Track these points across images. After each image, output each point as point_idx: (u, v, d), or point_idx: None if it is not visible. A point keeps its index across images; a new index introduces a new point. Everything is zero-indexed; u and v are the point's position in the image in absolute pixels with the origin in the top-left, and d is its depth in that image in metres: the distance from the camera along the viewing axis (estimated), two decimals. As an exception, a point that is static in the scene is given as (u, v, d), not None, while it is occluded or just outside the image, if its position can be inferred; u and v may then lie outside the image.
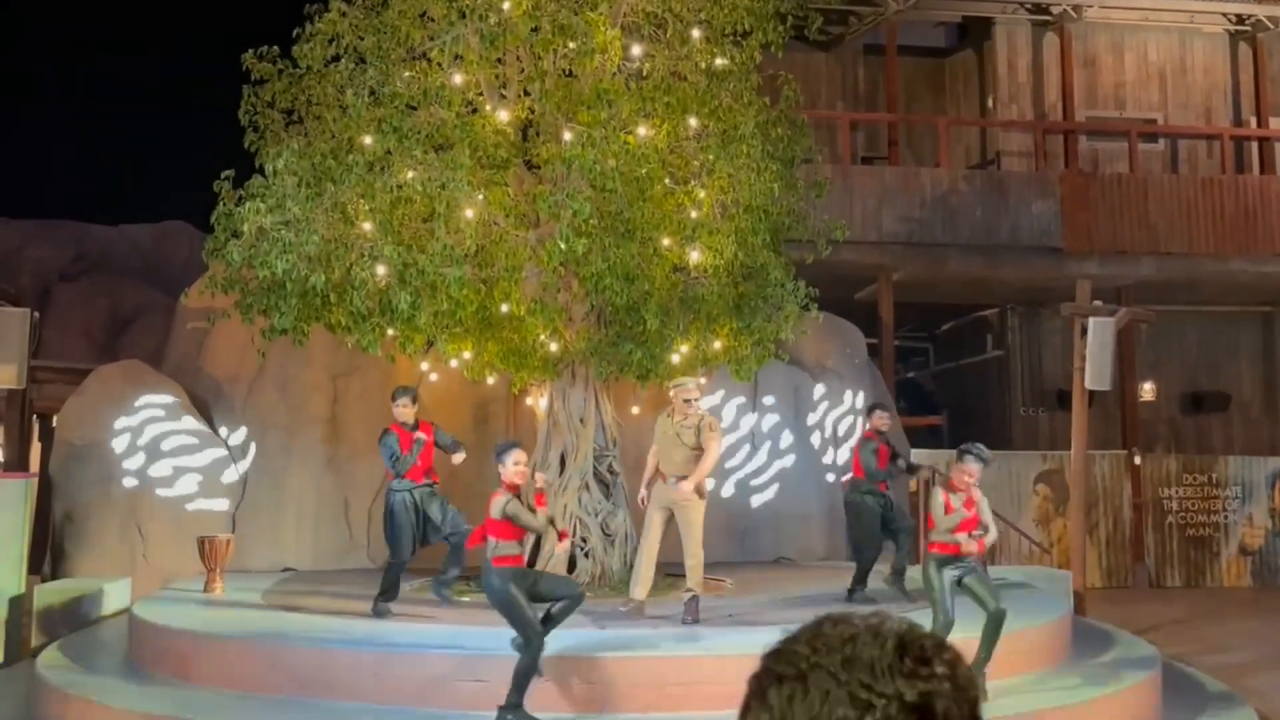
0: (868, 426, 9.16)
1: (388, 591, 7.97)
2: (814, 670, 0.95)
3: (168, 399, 11.39)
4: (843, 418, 12.76)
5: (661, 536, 7.79)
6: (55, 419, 12.52)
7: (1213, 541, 15.31)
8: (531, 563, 9.17)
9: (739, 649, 6.74)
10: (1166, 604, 13.30)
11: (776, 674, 0.97)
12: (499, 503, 6.01)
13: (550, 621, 6.03)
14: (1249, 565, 15.32)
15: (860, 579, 8.78)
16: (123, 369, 11.85)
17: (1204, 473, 15.43)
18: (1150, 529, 15.23)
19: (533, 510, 6.09)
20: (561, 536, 7.01)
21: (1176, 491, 15.35)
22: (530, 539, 6.25)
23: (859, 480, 8.96)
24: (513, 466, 6.07)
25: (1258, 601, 13.94)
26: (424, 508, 8.17)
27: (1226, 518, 15.33)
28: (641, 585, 7.74)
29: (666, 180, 8.64)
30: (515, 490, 6.09)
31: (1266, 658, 10.01)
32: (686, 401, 7.78)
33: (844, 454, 12.80)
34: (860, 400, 12.84)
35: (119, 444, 11.13)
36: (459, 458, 8.42)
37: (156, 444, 11.18)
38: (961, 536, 6.68)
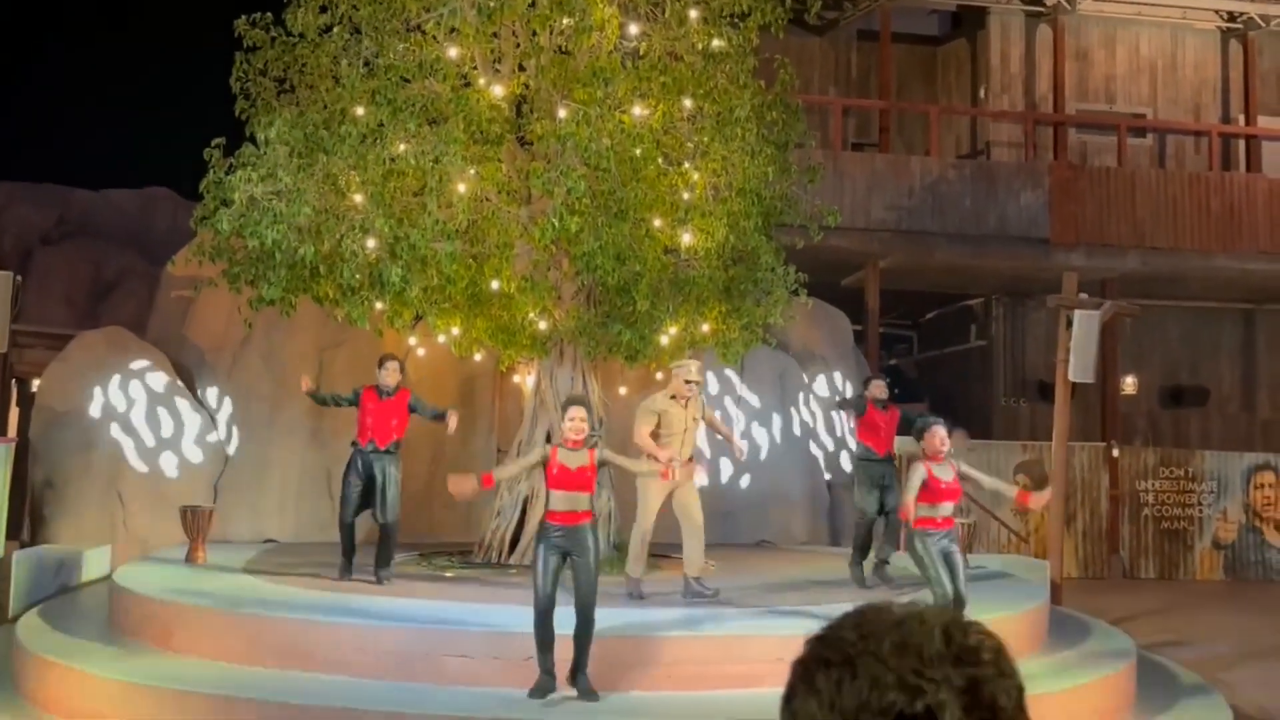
0: (865, 394, 9.21)
1: (346, 553, 8.21)
2: (862, 656, 0.95)
3: (151, 367, 11.32)
4: (827, 403, 12.81)
5: None
6: (35, 384, 12.43)
7: (1187, 535, 15.48)
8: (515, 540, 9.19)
9: (731, 630, 6.80)
10: (1140, 595, 13.45)
11: (824, 659, 0.97)
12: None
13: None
14: (1221, 559, 15.51)
15: (856, 548, 8.72)
16: (106, 335, 11.75)
17: (1181, 466, 15.59)
18: (1126, 521, 15.39)
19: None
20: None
21: (1153, 484, 15.51)
22: (562, 497, 6.09)
23: (860, 446, 8.99)
24: (566, 421, 6.19)
25: (1229, 595, 14.13)
26: (375, 472, 8.20)
27: (1201, 511, 15.50)
28: (643, 564, 7.71)
29: (660, 161, 8.61)
30: (569, 444, 6.12)
31: (1238, 651, 10.16)
32: (688, 383, 7.78)
33: (825, 439, 12.87)
34: (847, 386, 12.90)
35: (101, 411, 11.05)
36: (452, 421, 8.32)
37: (139, 412, 11.12)
38: (946, 507, 6.76)
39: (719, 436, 8.00)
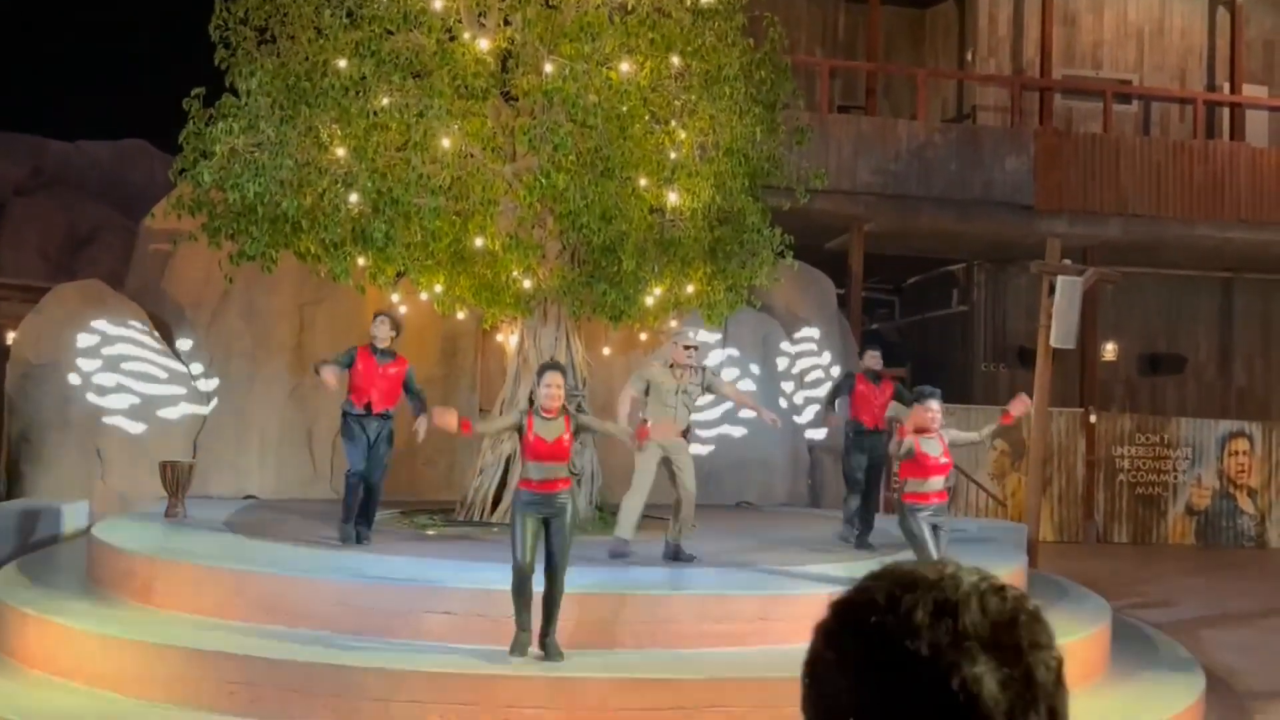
0: (856, 370, 9.14)
1: (349, 512, 7.81)
2: (892, 626, 0.89)
3: (129, 321, 11.18)
4: (810, 367, 12.84)
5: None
6: (9, 337, 12.26)
7: (1161, 500, 15.67)
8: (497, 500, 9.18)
9: (714, 589, 6.85)
10: (1114, 559, 13.62)
11: (852, 628, 0.91)
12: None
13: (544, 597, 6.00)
14: (1194, 524, 15.72)
15: (861, 523, 8.71)
16: (82, 288, 11.60)
17: (1157, 433, 15.75)
18: (1101, 486, 15.55)
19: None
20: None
21: (1129, 450, 15.66)
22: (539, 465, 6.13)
23: (850, 421, 8.95)
24: (542, 388, 6.15)
25: (1200, 559, 14.35)
26: (369, 434, 8.00)
27: (1176, 478, 15.68)
28: (634, 529, 7.74)
29: (647, 118, 8.52)
30: (547, 412, 6.11)
31: (1210, 614, 10.32)
32: (688, 349, 7.66)
33: (808, 402, 12.91)
34: (828, 350, 12.93)
35: (78, 365, 10.92)
36: (420, 426, 7.65)
37: (116, 367, 10.99)
38: (936, 482, 6.79)
39: (746, 409, 7.99)
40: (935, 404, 6.86)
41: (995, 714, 0.86)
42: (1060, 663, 0.91)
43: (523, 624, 5.91)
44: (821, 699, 0.91)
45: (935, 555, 6.64)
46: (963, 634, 0.88)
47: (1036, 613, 0.92)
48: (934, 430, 6.84)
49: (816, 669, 0.93)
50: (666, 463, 7.78)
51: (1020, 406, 7.31)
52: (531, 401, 6.31)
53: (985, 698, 0.86)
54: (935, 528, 6.79)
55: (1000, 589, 0.93)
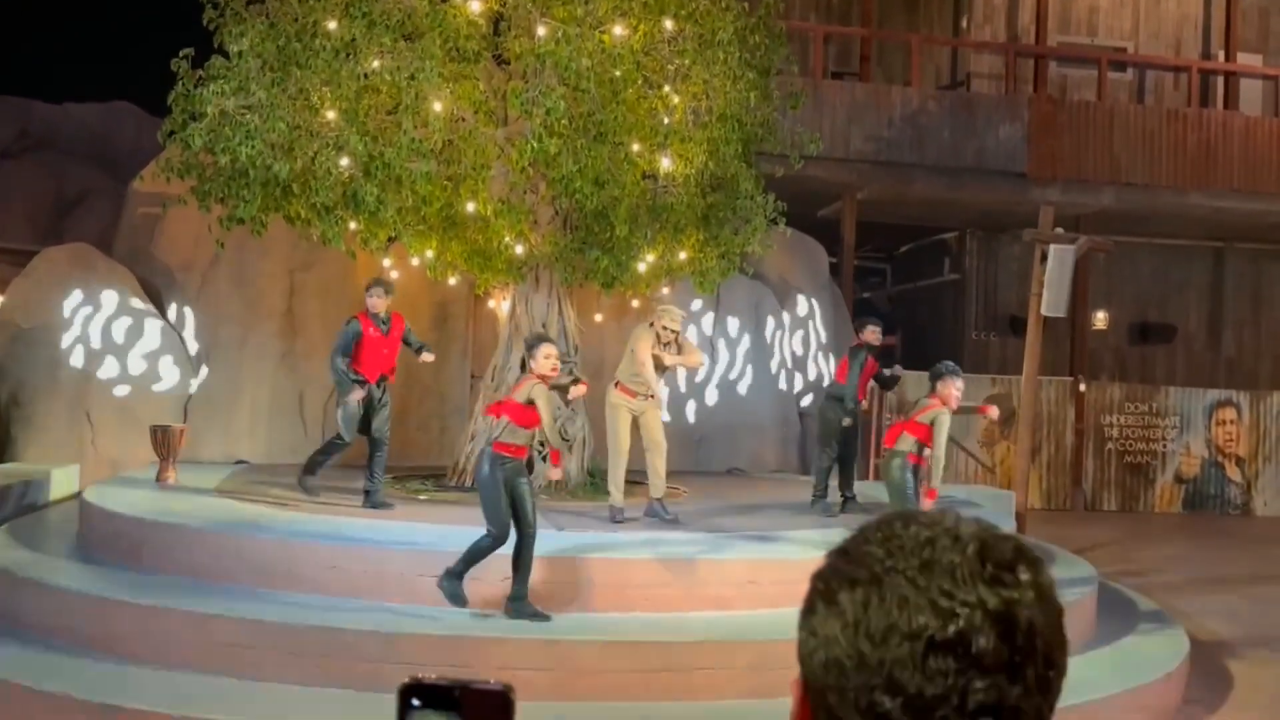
0: (860, 338, 9.13)
1: (316, 466, 8.14)
2: (890, 574, 0.88)
3: (118, 285, 11.13)
4: (801, 334, 12.85)
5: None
6: (-3, 300, 12.19)
7: (1149, 468, 15.77)
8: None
9: (702, 553, 6.88)
10: (1101, 526, 13.73)
11: (848, 576, 0.90)
12: (527, 386, 6.17)
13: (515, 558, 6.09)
14: (1181, 492, 15.83)
15: (818, 484, 8.86)
16: (71, 252, 11.52)
17: (1145, 402, 15.82)
18: (1090, 454, 15.64)
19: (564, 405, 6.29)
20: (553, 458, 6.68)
21: (1118, 419, 15.73)
22: (537, 435, 6.40)
23: (835, 386, 9.01)
24: (544, 359, 6.21)
25: (1187, 527, 14.47)
26: (372, 399, 8.08)
27: (1164, 446, 15.77)
28: (622, 492, 7.88)
29: (640, 83, 8.46)
30: (546, 381, 6.22)
31: (1194, 580, 10.43)
32: (665, 329, 7.79)
33: (799, 370, 12.94)
34: (820, 317, 12.93)
35: (67, 329, 10.88)
36: (427, 357, 8.43)
37: (106, 331, 10.95)
38: (925, 451, 6.93)
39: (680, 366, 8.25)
40: (960, 381, 7.13)
41: (993, 664, 0.85)
42: (1060, 613, 0.90)
43: (468, 573, 6.03)
44: (817, 648, 0.91)
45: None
46: (959, 583, 0.87)
47: (1037, 562, 0.90)
48: (953, 405, 7.01)
49: (812, 618, 0.92)
50: (637, 423, 7.89)
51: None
52: (523, 368, 6.35)
53: (983, 648, 0.85)
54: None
55: (1001, 538, 0.91)
